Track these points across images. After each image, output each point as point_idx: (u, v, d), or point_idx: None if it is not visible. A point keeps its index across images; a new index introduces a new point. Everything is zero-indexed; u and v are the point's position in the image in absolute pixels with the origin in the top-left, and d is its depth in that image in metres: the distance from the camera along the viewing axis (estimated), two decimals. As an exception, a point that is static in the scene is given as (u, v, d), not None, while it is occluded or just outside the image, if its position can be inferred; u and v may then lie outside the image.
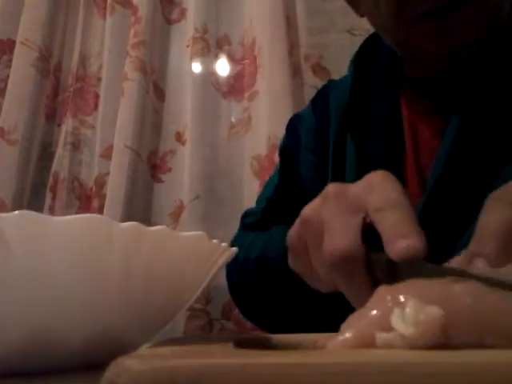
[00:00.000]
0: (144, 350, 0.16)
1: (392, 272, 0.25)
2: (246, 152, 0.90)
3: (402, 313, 0.18)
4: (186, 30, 0.98)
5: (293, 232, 0.33)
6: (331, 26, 0.85)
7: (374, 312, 0.19)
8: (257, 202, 0.61)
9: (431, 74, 0.46)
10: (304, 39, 0.88)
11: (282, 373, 0.13)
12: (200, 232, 0.27)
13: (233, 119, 0.93)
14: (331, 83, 0.61)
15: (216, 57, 0.95)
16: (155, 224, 0.89)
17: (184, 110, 0.95)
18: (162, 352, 0.16)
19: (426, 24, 0.41)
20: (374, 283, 0.26)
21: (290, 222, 0.42)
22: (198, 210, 0.87)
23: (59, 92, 1.07)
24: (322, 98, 0.59)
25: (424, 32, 0.41)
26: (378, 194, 0.28)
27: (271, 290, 0.46)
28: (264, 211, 0.56)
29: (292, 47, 0.87)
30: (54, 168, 1.00)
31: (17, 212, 0.21)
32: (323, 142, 0.54)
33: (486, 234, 0.23)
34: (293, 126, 0.61)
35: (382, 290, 0.20)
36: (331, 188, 0.31)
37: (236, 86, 0.94)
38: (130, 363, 0.13)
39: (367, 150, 0.49)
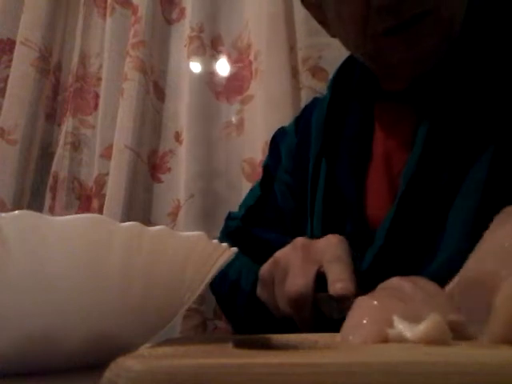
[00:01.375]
0: (144, 350, 0.16)
1: (333, 306, 0.37)
2: (236, 154, 0.90)
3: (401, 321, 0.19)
4: (185, 29, 0.98)
5: (265, 268, 0.44)
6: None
7: (374, 313, 0.20)
8: (240, 207, 0.65)
9: (401, 85, 0.49)
10: (302, 40, 0.88)
11: (281, 373, 0.13)
12: (200, 232, 0.27)
13: (225, 120, 0.93)
14: (316, 101, 0.64)
15: (211, 57, 0.95)
16: (155, 224, 0.89)
17: (183, 109, 0.95)
18: (161, 352, 0.16)
19: (390, 39, 0.44)
20: (317, 315, 0.38)
21: (261, 243, 0.55)
22: (193, 210, 0.87)
23: (59, 92, 1.07)
24: (305, 117, 0.62)
25: (389, 46, 0.45)
26: (332, 251, 0.40)
27: (242, 308, 0.53)
28: (244, 220, 0.62)
29: (290, 49, 0.87)
30: (53, 168, 1.00)
31: (17, 212, 0.21)
32: (302, 165, 0.57)
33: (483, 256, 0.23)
34: (276, 143, 0.64)
35: (361, 300, 0.24)
36: (300, 240, 0.42)
37: (229, 88, 0.94)
38: (130, 363, 0.13)
39: (337, 166, 0.52)
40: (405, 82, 0.49)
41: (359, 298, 0.25)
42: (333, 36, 0.53)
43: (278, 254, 0.43)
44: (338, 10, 0.47)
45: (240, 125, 0.90)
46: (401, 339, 0.19)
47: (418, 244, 0.42)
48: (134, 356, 0.14)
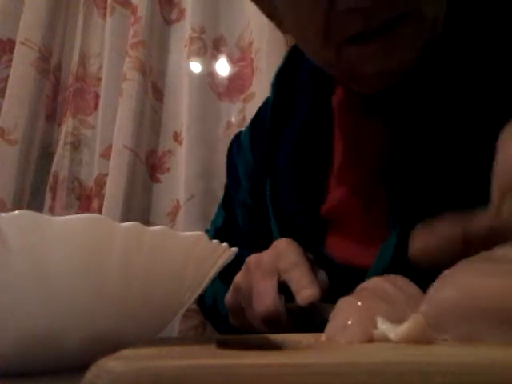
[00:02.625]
0: (126, 350, 0.16)
1: (304, 313, 0.37)
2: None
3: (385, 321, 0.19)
4: (185, 30, 0.98)
5: (228, 297, 0.43)
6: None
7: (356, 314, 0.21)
8: (211, 225, 0.61)
9: (367, 91, 0.42)
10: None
11: (265, 373, 0.13)
12: (200, 232, 0.27)
13: (228, 120, 0.93)
14: (269, 103, 0.54)
15: (212, 57, 0.95)
16: (154, 224, 0.89)
17: (182, 110, 0.95)
18: (144, 353, 0.16)
19: (359, 47, 0.37)
20: (296, 323, 0.38)
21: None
22: (193, 210, 0.87)
23: (59, 92, 1.07)
24: (258, 123, 0.55)
25: (358, 55, 0.37)
26: (285, 259, 0.38)
27: (226, 329, 0.52)
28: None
29: (289, 47, 0.87)
30: (53, 168, 1.00)
31: (17, 212, 0.21)
32: (260, 181, 0.51)
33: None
34: (232, 161, 0.58)
35: (345, 300, 0.25)
36: (251, 259, 0.41)
37: (231, 88, 0.94)
38: (111, 364, 0.13)
39: (277, 184, 0.48)
40: (374, 90, 0.42)
41: (342, 298, 0.25)
42: (285, 32, 0.47)
43: (236, 279, 0.42)
44: (294, 8, 0.38)
45: (242, 123, 0.90)
46: (385, 339, 0.19)
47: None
48: (116, 357, 0.14)
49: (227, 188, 0.60)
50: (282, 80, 0.51)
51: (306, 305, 0.36)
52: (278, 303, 0.38)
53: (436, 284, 0.20)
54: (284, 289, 0.39)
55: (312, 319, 0.36)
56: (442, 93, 0.40)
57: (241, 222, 0.57)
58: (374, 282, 0.25)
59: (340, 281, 0.39)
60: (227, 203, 0.60)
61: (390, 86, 0.41)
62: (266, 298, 0.38)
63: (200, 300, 0.56)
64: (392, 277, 0.25)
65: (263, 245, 0.43)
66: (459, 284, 0.19)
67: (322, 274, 0.40)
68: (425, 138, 0.40)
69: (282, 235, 0.44)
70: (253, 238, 0.55)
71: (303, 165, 0.47)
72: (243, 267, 0.42)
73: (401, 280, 0.25)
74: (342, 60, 0.38)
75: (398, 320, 0.19)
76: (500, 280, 0.18)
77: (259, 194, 0.52)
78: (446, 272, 0.20)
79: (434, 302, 0.19)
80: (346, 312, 0.22)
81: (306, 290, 0.36)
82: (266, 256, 0.41)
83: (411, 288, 0.24)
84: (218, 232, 0.58)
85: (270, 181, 0.49)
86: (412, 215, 0.37)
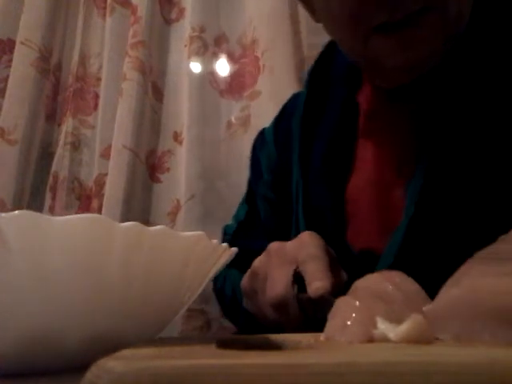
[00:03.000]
0: (126, 350, 0.16)
1: (314, 305, 0.36)
2: (245, 150, 0.89)
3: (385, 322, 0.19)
4: (185, 29, 0.98)
5: (245, 281, 0.43)
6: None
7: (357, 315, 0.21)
8: (233, 220, 0.62)
9: (391, 85, 0.44)
10: (306, 40, 0.88)
11: (264, 373, 0.13)
12: (200, 232, 0.27)
13: (229, 118, 0.93)
14: (295, 100, 0.56)
15: (213, 55, 0.95)
16: (154, 224, 0.89)
17: (182, 109, 0.95)
18: (144, 353, 0.16)
19: (383, 38, 0.38)
20: (304, 316, 0.38)
21: (247, 252, 0.50)
22: (193, 210, 0.87)
23: (59, 92, 1.07)
24: (284, 119, 0.56)
25: (382, 46, 0.39)
26: (305, 250, 0.38)
27: (244, 321, 0.51)
28: (235, 234, 0.59)
29: (295, 47, 0.87)
30: (53, 168, 1.00)
31: (17, 212, 0.21)
32: (284, 175, 0.52)
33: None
34: (255, 155, 0.60)
35: (343, 300, 0.25)
36: (273, 245, 0.41)
37: (234, 85, 0.94)
38: (111, 364, 0.13)
39: (310, 176, 0.48)
40: (397, 83, 0.43)
41: (340, 298, 0.25)
42: (317, 21, 0.47)
43: (255, 263, 0.42)
44: (327, 2, 0.40)
45: (246, 121, 0.90)
46: (385, 339, 0.19)
47: (431, 261, 0.38)
48: (116, 357, 0.14)
49: (250, 183, 0.61)
50: (316, 77, 0.51)
51: (316, 297, 0.35)
52: (288, 291, 0.38)
53: (445, 285, 0.20)
54: (299, 280, 0.38)
55: (322, 313, 0.35)
56: (466, 87, 0.40)
57: (262, 215, 0.57)
58: (371, 281, 0.25)
59: (361, 273, 0.38)
60: (250, 197, 0.60)
61: (414, 81, 0.42)
62: (278, 284, 0.38)
63: (219, 293, 0.56)
64: (389, 273, 0.25)
65: (282, 239, 0.43)
66: (463, 284, 0.19)
67: (343, 273, 0.40)
68: (448, 132, 0.40)
69: (308, 229, 0.44)
70: (273, 232, 0.55)
71: (333, 162, 0.47)
72: (264, 253, 0.42)
73: (398, 276, 0.24)
74: (368, 50, 0.40)
75: (396, 320, 0.19)
76: (501, 280, 0.18)
77: (282, 187, 0.53)
78: (455, 274, 0.20)
79: (440, 302, 0.20)
80: (345, 312, 0.22)
81: (317, 282, 0.35)
82: (288, 245, 0.40)
83: (409, 284, 0.24)
84: (241, 225, 0.59)
85: (303, 179, 0.49)
86: (427, 204, 0.39)
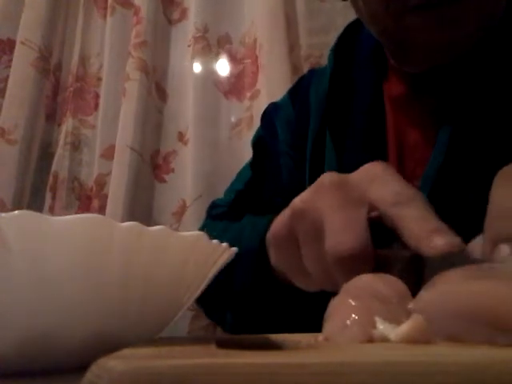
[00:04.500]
0: (126, 350, 0.16)
1: (416, 269, 0.25)
2: (248, 151, 0.89)
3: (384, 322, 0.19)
4: (188, 29, 0.98)
5: (279, 225, 0.31)
6: (331, 26, 0.85)
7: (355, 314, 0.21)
8: (225, 194, 0.56)
9: (421, 69, 0.42)
10: (304, 39, 0.88)
11: (265, 373, 0.13)
12: (199, 232, 0.27)
13: (234, 119, 0.93)
14: (312, 73, 0.57)
15: (217, 56, 0.95)
16: (158, 224, 0.89)
17: (186, 109, 0.95)
18: (144, 352, 0.16)
19: (423, 14, 0.37)
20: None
21: (262, 205, 0.43)
22: (200, 210, 0.87)
23: (59, 92, 1.07)
24: (301, 90, 0.55)
25: (417, 23, 0.37)
26: (386, 186, 0.27)
27: (242, 286, 0.40)
28: (232, 204, 0.52)
29: (292, 47, 0.87)
30: (53, 168, 1.00)
31: (17, 212, 0.21)
32: (302, 139, 0.51)
33: (504, 214, 0.21)
34: (269, 116, 0.56)
35: (338, 299, 0.23)
36: (327, 177, 0.29)
37: (238, 85, 0.94)
38: (112, 364, 0.13)
39: (346, 156, 0.45)
40: (426, 66, 0.42)
41: (334, 297, 0.23)
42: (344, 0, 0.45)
43: (298, 201, 0.30)
44: None
45: (250, 121, 0.90)
46: (384, 339, 0.19)
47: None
48: (116, 356, 0.14)
49: (260, 142, 0.55)
50: (339, 55, 0.50)
51: (439, 255, 0.24)
52: (366, 244, 0.26)
53: (425, 287, 0.20)
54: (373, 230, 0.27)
55: (415, 274, 0.25)
56: (490, 83, 0.40)
57: (285, 172, 0.52)
58: (364, 281, 0.25)
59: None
60: (258, 161, 0.54)
61: (439, 71, 0.40)
62: (348, 233, 0.27)
63: None
64: (380, 274, 0.24)
65: None
66: (442, 287, 0.19)
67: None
68: (467, 126, 0.39)
69: None
70: (295, 193, 0.49)
71: (372, 139, 0.45)
72: (312, 187, 0.30)
73: (389, 277, 0.24)
74: (400, 29, 0.38)
75: (393, 319, 0.19)
76: (476, 282, 0.18)
77: (299, 150, 0.50)
78: (435, 277, 0.20)
79: (420, 304, 0.19)
80: (344, 312, 0.22)
81: (440, 237, 0.25)
82: (351, 177, 0.29)
83: (399, 285, 0.23)
84: (240, 194, 0.52)
85: (332, 136, 0.46)
86: (438, 196, 0.37)
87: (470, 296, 0.18)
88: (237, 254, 0.33)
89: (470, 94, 0.40)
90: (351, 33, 0.51)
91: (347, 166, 0.44)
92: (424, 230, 0.25)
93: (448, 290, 0.19)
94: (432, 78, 0.43)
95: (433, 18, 0.37)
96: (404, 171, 0.43)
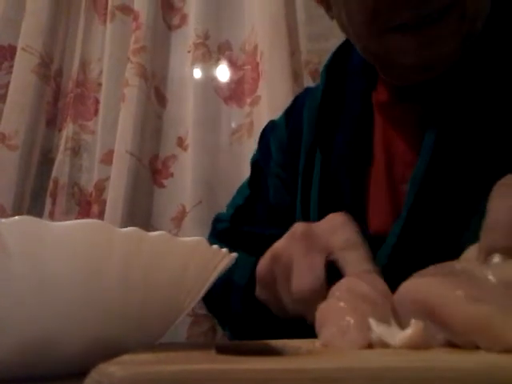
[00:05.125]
0: (126, 356, 0.16)
1: None
2: (248, 157, 0.90)
3: (380, 326, 0.20)
4: (187, 35, 0.98)
5: (263, 265, 0.38)
6: (331, 33, 0.86)
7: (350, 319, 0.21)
8: (228, 208, 0.60)
9: (406, 83, 0.44)
10: (304, 45, 0.89)
11: (265, 378, 0.13)
12: (199, 237, 0.27)
13: (234, 125, 0.93)
14: (307, 91, 0.59)
15: (217, 62, 0.95)
16: (157, 229, 0.89)
17: (185, 115, 0.95)
18: (144, 358, 0.16)
19: (402, 37, 0.38)
20: None
21: (254, 237, 0.49)
22: (200, 216, 0.87)
23: (60, 98, 1.07)
24: (296, 108, 0.58)
25: (399, 44, 0.39)
26: (341, 235, 0.34)
27: (232, 310, 0.47)
28: (232, 220, 0.57)
29: (292, 53, 0.87)
30: (54, 173, 1.00)
31: (17, 217, 0.21)
32: (293, 158, 0.53)
33: (499, 226, 0.22)
34: (265, 137, 0.60)
35: (328, 303, 0.25)
36: (299, 228, 0.36)
37: (238, 92, 0.94)
38: (112, 369, 0.13)
39: (332, 162, 0.48)
40: (411, 82, 0.43)
41: (323, 302, 0.25)
42: (332, 18, 0.47)
43: (276, 247, 0.37)
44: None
45: (250, 127, 0.90)
46: (383, 343, 0.19)
47: (429, 252, 0.39)
48: (116, 362, 0.14)
49: (257, 163, 0.59)
50: (332, 70, 0.52)
51: None
52: (321, 283, 0.33)
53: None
54: (330, 270, 0.34)
55: None
56: (475, 91, 0.41)
57: (272, 193, 0.55)
58: (348, 283, 0.26)
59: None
60: (255, 180, 0.58)
61: (428, 80, 0.42)
62: (308, 274, 0.33)
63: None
64: (362, 275, 0.26)
65: (290, 221, 0.40)
66: (408, 283, 0.21)
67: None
68: (451, 132, 0.40)
69: (322, 212, 0.42)
70: (281, 212, 0.53)
71: (356, 151, 0.47)
72: (287, 235, 0.37)
73: (370, 277, 0.26)
74: (383, 48, 0.40)
75: (380, 320, 0.20)
76: (429, 278, 0.20)
77: (291, 169, 0.53)
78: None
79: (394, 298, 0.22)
80: (338, 316, 0.22)
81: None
82: (317, 227, 0.35)
83: (380, 285, 0.25)
84: (239, 209, 0.56)
85: (323, 161, 0.48)
86: (426, 195, 0.39)
87: (409, 290, 0.20)
88: (232, 285, 0.44)
89: (455, 99, 0.41)
90: (345, 49, 0.52)
91: (332, 175, 0.46)
92: (356, 270, 0.31)
93: (409, 285, 0.21)
94: (417, 87, 0.44)
95: (412, 39, 0.38)
96: (393, 175, 0.45)
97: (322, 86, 0.52)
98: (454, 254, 0.25)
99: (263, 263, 0.38)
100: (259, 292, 0.40)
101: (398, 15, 0.37)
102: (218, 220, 0.60)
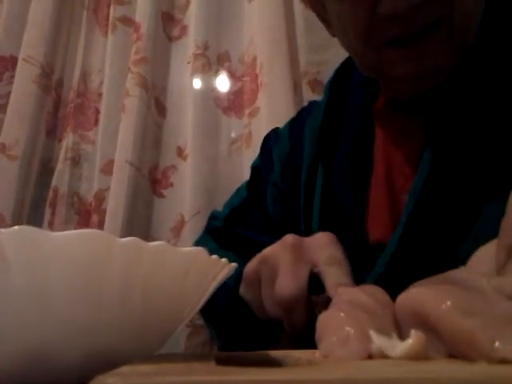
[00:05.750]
0: (125, 367, 0.16)
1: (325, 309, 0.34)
2: (246, 167, 0.90)
3: (381, 338, 0.20)
4: (187, 46, 0.99)
5: (251, 266, 0.40)
6: (330, 44, 0.86)
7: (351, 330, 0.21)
8: (224, 207, 0.62)
9: (404, 96, 0.46)
10: (303, 56, 0.89)
11: None
12: (199, 247, 0.27)
13: (233, 135, 0.94)
14: (311, 105, 0.60)
15: (216, 73, 0.96)
16: (156, 239, 0.89)
17: (185, 125, 0.96)
18: (143, 369, 0.16)
19: (394, 51, 0.40)
20: (310, 318, 0.36)
21: (245, 240, 0.51)
22: (199, 226, 0.87)
23: (60, 108, 1.08)
24: (299, 121, 0.59)
25: (393, 58, 0.40)
26: (326, 251, 0.37)
27: (221, 306, 0.49)
28: (227, 220, 0.58)
29: (292, 64, 0.88)
30: (53, 183, 1.00)
31: (16, 227, 0.21)
32: (295, 170, 0.54)
33: None
34: (268, 144, 0.61)
35: (329, 314, 0.25)
36: (289, 238, 0.39)
37: (236, 103, 0.94)
38: (111, 381, 0.13)
39: (334, 175, 0.49)
40: (409, 95, 0.45)
41: (324, 313, 0.26)
42: (333, 36, 0.49)
43: (266, 251, 0.40)
44: (339, 12, 0.42)
45: (248, 138, 0.91)
46: (382, 354, 0.19)
47: (427, 262, 0.39)
48: (115, 373, 0.14)
49: (258, 169, 0.60)
50: (335, 85, 0.53)
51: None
52: (303, 290, 0.36)
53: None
54: (312, 281, 0.37)
55: None
56: (473, 100, 0.42)
57: (269, 200, 0.57)
58: (349, 294, 0.26)
59: (372, 265, 0.41)
60: (253, 184, 0.59)
61: (423, 94, 0.43)
62: (292, 280, 0.37)
63: None
64: (363, 287, 0.27)
65: (282, 231, 0.42)
66: (406, 293, 0.22)
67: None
68: (451, 141, 0.41)
69: (324, 222, 0.45)
70: (275, 221, 0.55)
71: (357, 163, 0.48)
72: (278, 242, 0.40)
73: (371, 288, 0.26)
74: (379, 63, 0.42)
75: (380, 330, 0.20)
76: (424, 289, 0.21)
77: (290, 180, 0.54)
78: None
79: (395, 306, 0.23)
80: (338, 327, 0.22)
81: (342, 288, 0.34)
82: (306, 242, 0.39)
83: (381, 295, 0.25)
84: (235, 211, 0.58)
85: (325, 174, 0.49)
86: (425, 204, 0.40)
87: (406, 300, 0.21)
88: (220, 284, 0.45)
89: (453, 110, 0.42)
90: (347, 65, 0.53)
91: (333, 187, 0.47)
92: (335, 283, 0.35)
93: (402, 295, 0.22)
94: (416, 99, 0.45)
95: (405, 53, 0.40)
96: (393, 186, 0.46)
97: (324, 102, 0.53)
98: (452, 262, 0.25)
99: (251, 264, 0.41)
100: (243, 291, 0.42)
101: (388, 30, 0.39)
102: (213, 217, 0.62)
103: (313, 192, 0.51)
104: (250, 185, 0.60)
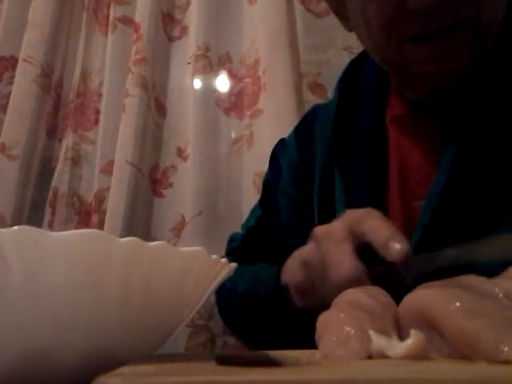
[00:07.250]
0: (125, 367, 0.16)
1: (392, 274, 0.32)
2: (247, 168, 0.90)
3: (381, 338, 0.20)
4: (187, 47, 0.99)
5: (294, 276, 0.39)
6: (330, 44, 0.86)
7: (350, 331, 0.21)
8: (242, 227, 0.62)
9: (422, 95, 0.45)
10: (302, 57, 0.89)
11: None
12: (199, 247, 0.27)
13: (234, 135, 0.94)
14: (317, 109, 0.60)
15: (217, 74, 0.96)
16: (156, 239, 0.88)
17: (185, 125, 0.96)
18: (144, 370, 0.16)
19: (416, 47, 0.40)
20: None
21: (268, 255, 0.49)
22: (200, 226, 0.87)
23: (60, 108, 1.08)
24: (305, 126, 0.58)
25: (416, 54, 0.40)
26: (364, 221, 0.35)
27: (260, 321, 0.48)
28: (245, 240, 0.58)
29: (294, 66, 0.88)
30: (53, 183, 1.00)
31: (16, 227, 0.21)
32: (306, 177, 0.53)
33: None
34: (275, 157, 0.61)
35: (329, 314, 0.25)
36: (318, 230, 0.38)
37: (237, 104, 0.94)
38: (112, 381, 0.13)
39: (351, 181, 0.48)
40: (428, 93, 0.44)
41: (324, 313, 0.25)
42: (349, 30, 0.48)
43: (305, 255, 0.39)
44: (364, 4, 0.41)
45: (250, 139, 0.91)
46: (382, 354, 0.19)
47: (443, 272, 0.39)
48: (117, 374, 0.14)
49: (268, 184, 0.59)
50: (345, 86, 0.52)
51: (400, 259, 0.31)
52: (358, 267, 0.34)
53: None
54: (365, 256, 0.34)
55: (400, 281, 0.31)
56: (492, 102, 0.41)
57: (283, 213, 0.56)
58: (350, 295, 0.26)
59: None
60: (266, 200, 0.59)
61: (440, 94, 0.43)
62: (343, 265, 0.34)
63: (229, 295, 0.52)
64: (364, 287, 0.27)
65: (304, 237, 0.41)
66: (412, 294, 0.22)
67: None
68: (469, 147, 0.41)
69: None
70: (293, 233, 0.54)
71: (373, 170, 0.48)
72: (310, 242, 0.38)
73: (373, 289, 0.26)
74: (401, 58, 0.41)
75: (380, 330, 0.20)
76: (431, 290, 0.21)
77: (302, 188, 0.53)
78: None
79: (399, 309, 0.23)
80: (338, 327, 0.22)
81: (395, 244, 0.32)
82: (335, 224, 0.37)
83: (382, 296, 0.25)
84: (251, 231, 0.58)
85: (343, 178, 0.48)
86: (442, 216, 0.40)
87: (412, 301, 0.21)
88: (257, 297, 0.46)
89: (473, 114, 0.42)
90: (356, 66, 0.53)
91: (354, 198, 0.46)
92: (384, 243, 0.32)
93: (408, 296, 0.22)
94: (434, 101, 0.45)
95: (431, 49, 0.39)
96: (405, 192, 0.45)
97: (335, 103, 0.52)
98: (469, 272, 0.25)
99: (293, 275, 0.40)
100: (299, 302, 0.41)
101: (412, 26, 0.39)
102: (232, 240, 0.62)
103: (328, 196, 0.50)
104: (262, 201, 0.60)
